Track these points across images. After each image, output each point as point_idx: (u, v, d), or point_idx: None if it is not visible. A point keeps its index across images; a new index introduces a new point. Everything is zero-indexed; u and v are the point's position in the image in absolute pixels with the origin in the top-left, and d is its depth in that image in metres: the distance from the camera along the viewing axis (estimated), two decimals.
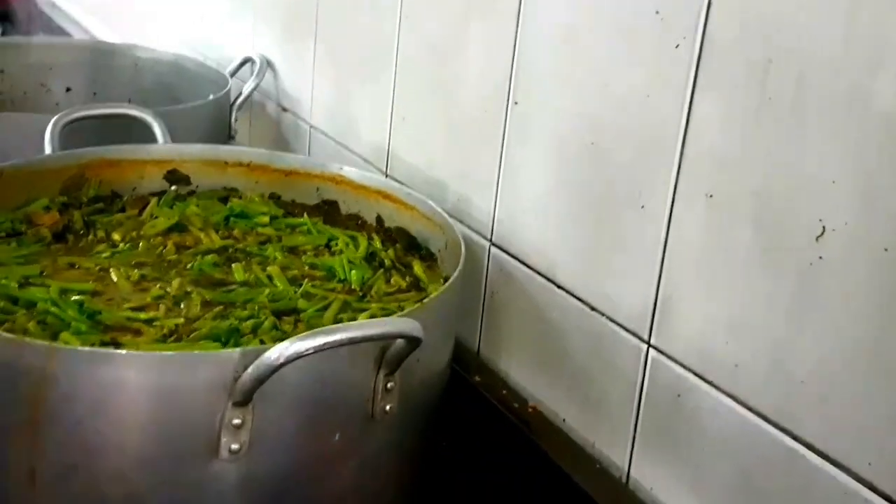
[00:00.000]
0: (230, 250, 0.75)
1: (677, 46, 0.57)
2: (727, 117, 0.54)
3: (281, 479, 0.55)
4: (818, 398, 0.50)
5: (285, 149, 1.14)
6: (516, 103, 0.73)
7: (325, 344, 0.50)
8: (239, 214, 0.81)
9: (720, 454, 0.56)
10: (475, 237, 0.79)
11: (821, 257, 0.49)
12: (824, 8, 0.48)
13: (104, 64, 1.22)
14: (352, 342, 0.51)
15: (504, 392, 0.73)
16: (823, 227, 0.49)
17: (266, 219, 0.80)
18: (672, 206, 0.58)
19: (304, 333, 0.50)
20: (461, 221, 0.81)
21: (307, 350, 0.50)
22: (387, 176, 0.92)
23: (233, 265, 0.72)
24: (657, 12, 0.59)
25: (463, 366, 0.77)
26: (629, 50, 0.61)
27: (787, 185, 0.51)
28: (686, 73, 0.57)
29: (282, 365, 0.49)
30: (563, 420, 0.69)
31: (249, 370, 0.50)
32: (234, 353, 0.51)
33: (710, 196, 0.56)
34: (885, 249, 0.46)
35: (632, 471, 0.63)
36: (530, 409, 0.71)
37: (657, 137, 0.59)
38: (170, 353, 0.56)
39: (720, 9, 0.54)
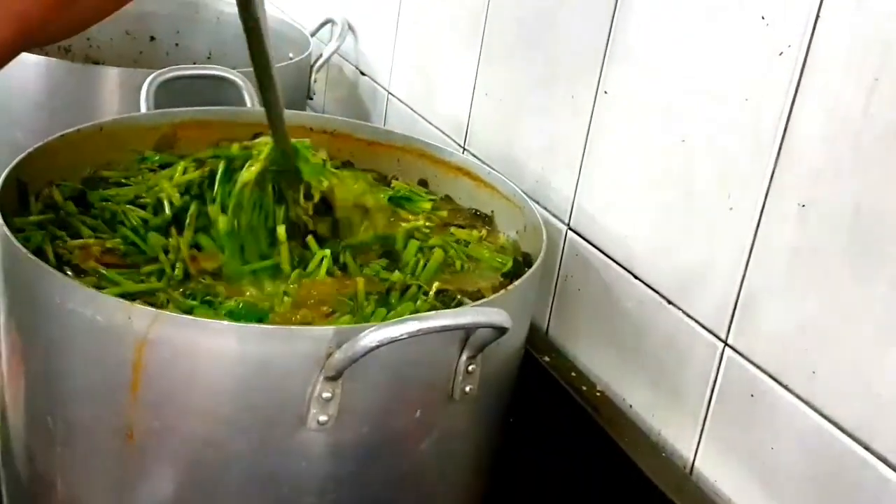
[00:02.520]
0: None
1: (781, 54, 0.58)
2: (827, 129, 0.55)
3: (363, 451, 0.58)
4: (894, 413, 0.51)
5: (362, 114, 1.15)
6: (606, 92, 0.73)
7: (418, 330, 0.52)
8: (403, 198, 0.80)
9: (790, 457, 0.58)
10: (552, 220, 0.80)
11: None
12: None
13: (187, 15, 1.24)
14: (444, 329, 0.53)
15: (573, 374, 0.75)
16: None
17: (428, 205, 0.80)
18: (762, 211, 0.59)
19: (399, 319, 0.53)
20: (538, 203, 0.82)
21: (400, 336, 0.52)
22: (464, 150, 0.94)
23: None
24: (763, 17, 0.59)
25: (532, 345, 0.79)
26: (731, 52, 0.61)
27: (883, 202, 0.52)
28: (788, 80, 0.57)
29: (374, 348, 0.52)
30: (630, 406, 0.71)
31: (343, 349, 0.52)
32: (329, 330, 0.53)
33: (803, 206, 0.56)
34: None
35: (697, 462, 0.65)
36: (598, 393, 0.73)
37: (753, 142, 0.60)
38: (267, 326, 0.58)
39: (829, 20, 0.55)
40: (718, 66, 0.62)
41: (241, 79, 0.89)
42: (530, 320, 0.80)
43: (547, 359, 0.77)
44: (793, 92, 0.57)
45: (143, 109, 0.84)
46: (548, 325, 0.82)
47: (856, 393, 0.53)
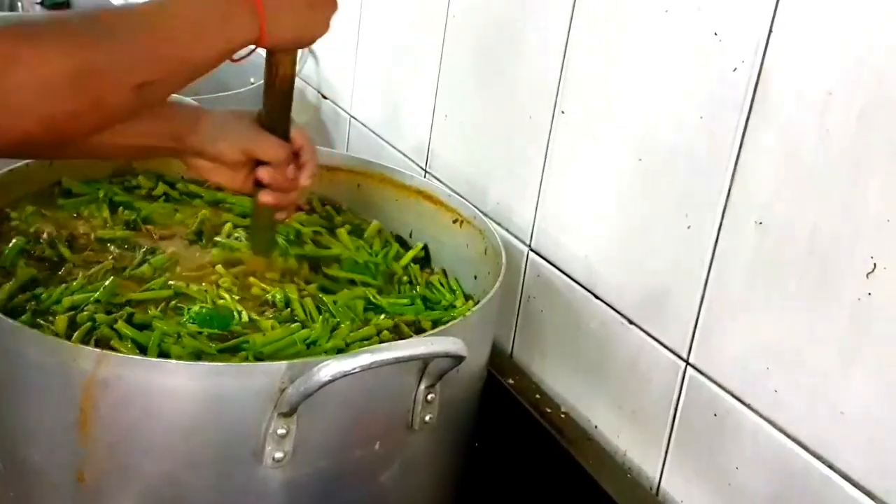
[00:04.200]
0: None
1: (735, 70, 0.58)
2: (782, 146, 0.55)
3: (322, 485, 0.57)
4: (860, 432, 0.51)
5: (325, 138, 1.15)
6: (563, 112, 0.73)
7: (371, 363, 0.51)
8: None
9: (754, 476, 0.57)
10: (514, 241, 0.80)
11: (870, 294, 0.50)
12: (892, 41, 0.48)
13: None
14: (398, 361, 0.52)
15: (537, 396, 0.75)
16: (875, 265, 0.50)
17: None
18: (720, 229, 0.59)
19: (353, 353, 0.52)
20: (500, 224, 0.82)
21: (353, 369, 0.51)
22: (426, 173, 0.93)
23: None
24: (716, 33, 0.59)
25: (496, 367, 0.78)
26: (685, 69, 0.61)
27: (840, 220, 0.51)
28: (742, 97, 0.57)
29: (328, 382, 0.51)
30: (596, 427, 0.71)
31: (296, 384, 0.51)
32: (282, 365, 0.52)
33: (760, 223, 0.56)
34: None
35: (663, 483, 0.65)
36: (562, 415, 0.73)
37: (708, 160, 0.60)
38: (218, 363, 0.57)
39: (781, 35, 0.55)
40: (673, 84, 0.62)
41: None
42: (492, 343, 0.80)
43: (511, 381, 0.76)
44: (747, 109, 0.57)
45: None
46: (512, 346, 0.81)
47: (818, 411, 0.53)
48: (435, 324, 0.68)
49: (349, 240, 0.80)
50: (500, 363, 0.80)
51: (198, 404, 0.53)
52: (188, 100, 0.90)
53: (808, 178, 0.53)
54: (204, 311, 0.64)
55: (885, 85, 0.49)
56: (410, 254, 0.80)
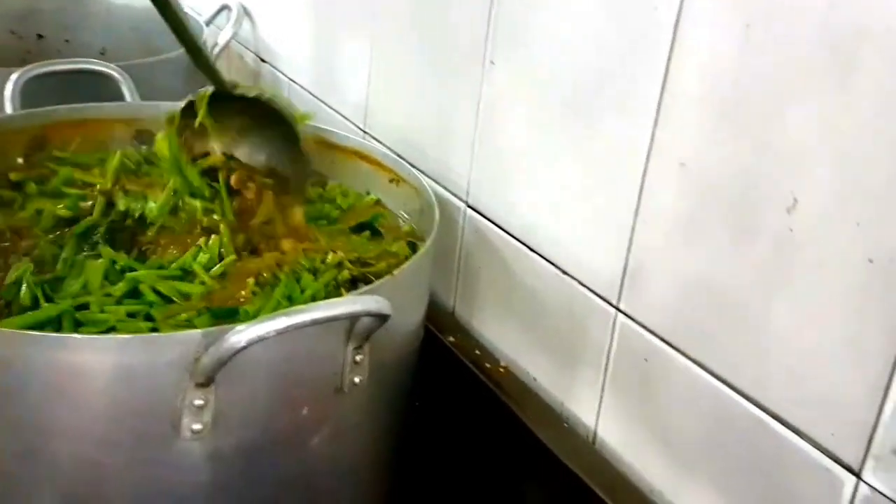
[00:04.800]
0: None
1: (656, 8, 0.57)
2: (703, 85, 0.54)
3: (249, 455, 0.55)
4: (785, 369, 0.51)
5: None
6: (493, 63, 0.72)
7: (287, 327, 0.49)
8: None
9: (686, 419, 0.57)
10: (452, 199, 0.79)
11: (791, 230, 0.50)
12: None
13: (76, 10, 1.19)
14: (316, 323, 0.50)
15: (477, 352, 0.74)
16: (795, 200, 0.49)
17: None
18: (644, 173, 0.59)
19: (268, 316, 0.50)
20: (438, 182, 0.81)
21: (269, 333, 0.49)
22: (365, 134, 0.92)
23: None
24: None
25: (438, 326, 0.77)
26: (609, 11, 0.60)
27: (761, 157, 0.51)
28: (663, 36, 0.56)
29: (242, 348, 0.49)
30: (535, 379, 0.70)
31: (210, 353, 0.49)
32: (195, 334, 0.50)
33: (683, 165, 0.56)
34: (858, 224, 0.46)
35: (599, 431, 0.64)
36: (502, 370, 0.72)
37: (633, 102, 0.59)
38: (127, 335, 0.54)
39: None
40: (597, 28, 0.61)
41: (118, 71, 0.85)
42: (434, 301, 0.79)
43: (452, 339, 0.76)
44: (668, 48, 0.56)
45: (9, 110, 0.80)
46: (454, 304, 0.80)
47: (743, 350, 0.53)
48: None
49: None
50: (442, 321, 0.79)
51: (107, 380, 0.51)
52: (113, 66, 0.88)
53: (728, 116, 0.53)
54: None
55: (803, 17, 0.48)
56: (370, 199, 0.78)
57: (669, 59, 0.56)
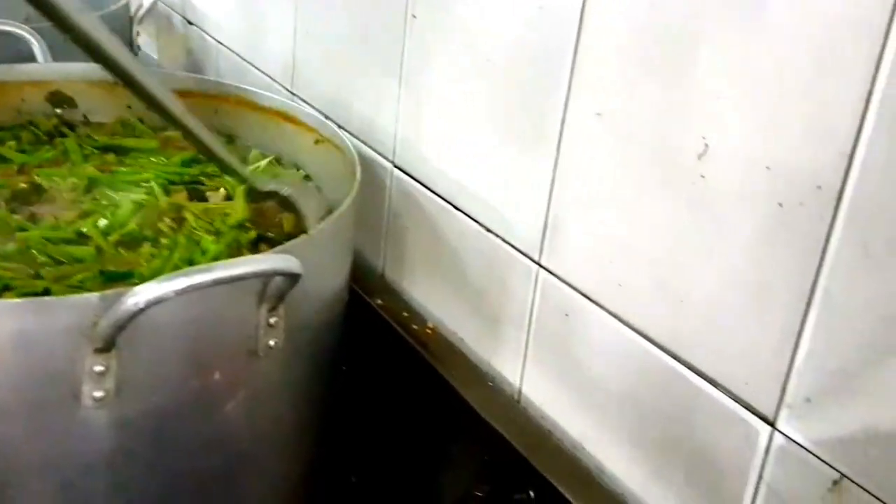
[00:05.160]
0: None
1: None
2: (617, 30, 0.53)
3: (158, 422, 0.53)
4: (699, 319, 0.50)
5: (194, 66, 1.09)
6: (414, 16, 0.70)
7: (188, 287, 0.47)
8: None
9: (606, 372, 0.56)
10: (378, 159, 0.77)
11: (703, 176, 0.49)
12: None
13: None
14: (218, 283, 0.48)
15: (405, 314, 0.73)
16: (706, 145, 0.48)
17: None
18: (563, 124, 0.57)
19: (167, 276, 0.47)
20: (365, 143, 0.79)
21: (168, 294, 0.47)
22: (293, 96, 0.89)
23: None
24: None
25: (367, 289, 0.76)
26: None
27: (673, 102, 0.50)
28: None
29: (141, 310, 0.47)
30: (462, 339, 0.69)
31: (107, 316, 0.47)
32: (91, 297, 0.48)
33: (599, 114, 0.54)
34: (767, 168, 0.46)
35: (524, 388, 0.64)
36: (429, 331, 0.71)
37: (550, 55, 0.57)
38: (19, 300, 0.51)
39: None
40: None
41: (32, 34, 0.81)
42: (363, 264, 0.78)
43: (380, 301, 0.74)
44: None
45: None
46: (383, 267, 0.79)
47: (660, 304, 0.52)
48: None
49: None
50: (371, 284, 0.77)
51: (1, 346, 0.48)
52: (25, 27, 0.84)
53: (641, 62, 0.51)
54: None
55: None
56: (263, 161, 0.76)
57: (583, 9, 0.55)
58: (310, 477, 0.67)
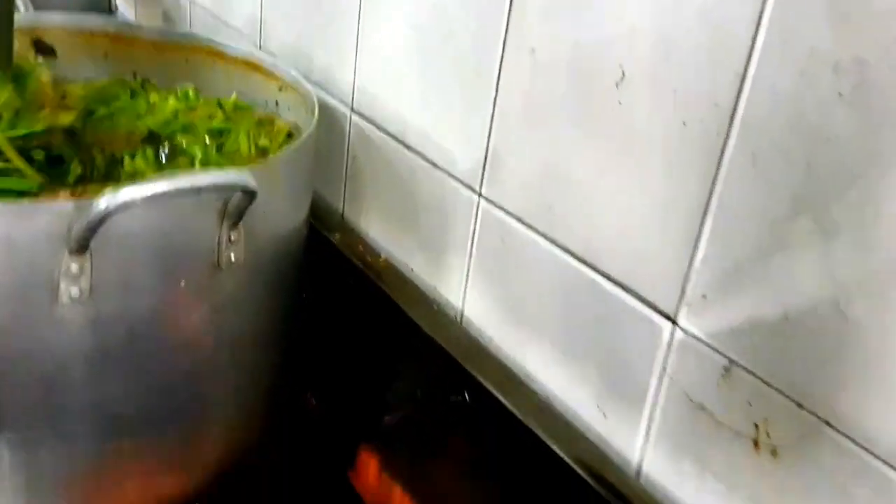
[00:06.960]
0: None
1: None
2: None
3: (130, 322, 0.58)
4: (612, 231, 0.55)
5: (171, 25, 1.14)
6: None
7: (153, 194, 0.52)
8: None
9: (535, 289, 0.62)
10: (339, 105, 0.82)
11: (620, 102, 0.54)
12: None
13: None
14: (180, 193, 0.53)
15: (360, 248, 0.78)
16: (623, 73, 0.54)
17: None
18: (501, 61, 0.62)
19: (134, 183, 0.52)
20: (325, 90, 0.83)
21: (134, 199, 0.52)
22: (261, 47, 0.94)
23: None
24: None
25: (327, 226, 0.81)
26: None
27: (596, 33, 0.55)
28: None
29: (110, 213, 0.51)
30: (412, 270, 0.75)
31: (80, 219, 0.52)
32: (68, 203, 0.53)
33: (533, 50, 0.60)
34: (674, 91, 0.51)
35: (466, 311, 0.69)
36: (382, 262, 0.76)
37: None
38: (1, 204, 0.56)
39: None
40: None
41: None
42: (321, 203, 0.82)
43: (338, 236, 0.79)
44: None
45: None
46: (343, 206, 0.84)
47: (582, 221, 0.57)
48: None
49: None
50: (331, 223, 0.83)
51: None
52: None
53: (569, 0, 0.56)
54: None
55: None
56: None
57: None
58: (270, 389, 0.72)
